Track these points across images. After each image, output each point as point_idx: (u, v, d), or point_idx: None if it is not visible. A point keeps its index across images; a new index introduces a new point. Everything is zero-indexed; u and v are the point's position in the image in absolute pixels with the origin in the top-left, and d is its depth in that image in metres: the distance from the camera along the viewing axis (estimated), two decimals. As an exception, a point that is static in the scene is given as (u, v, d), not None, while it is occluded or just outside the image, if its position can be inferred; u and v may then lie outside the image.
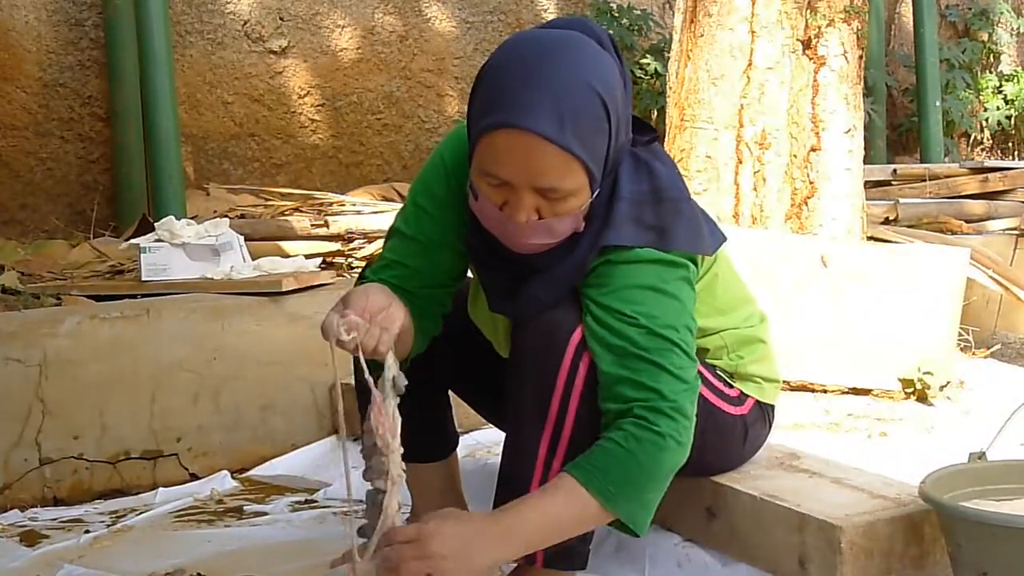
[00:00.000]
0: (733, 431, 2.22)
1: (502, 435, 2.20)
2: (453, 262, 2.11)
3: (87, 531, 2.68)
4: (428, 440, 2.36)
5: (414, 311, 2.02)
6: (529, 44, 1.86)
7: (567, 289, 1.98)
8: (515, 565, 2.06)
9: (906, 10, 6.99)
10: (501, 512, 1.90)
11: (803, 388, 3.14)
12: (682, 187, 2.02)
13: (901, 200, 4.82)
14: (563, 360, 1.94)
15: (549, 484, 1.91)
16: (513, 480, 2.01)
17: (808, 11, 3.47)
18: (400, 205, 4.33)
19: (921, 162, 6.51)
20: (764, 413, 2.28)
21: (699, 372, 2.10)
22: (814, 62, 3.48)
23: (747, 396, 2.22)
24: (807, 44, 3.48)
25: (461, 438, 2.50)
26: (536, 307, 1.99)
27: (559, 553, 2.00)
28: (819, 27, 3.47)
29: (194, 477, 3.07)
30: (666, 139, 3.56)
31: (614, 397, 1.91)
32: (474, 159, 1.89)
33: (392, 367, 1.86)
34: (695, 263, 2.01)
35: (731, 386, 2.20)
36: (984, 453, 2.13)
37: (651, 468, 1.89)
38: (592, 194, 1.91)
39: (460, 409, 2.43)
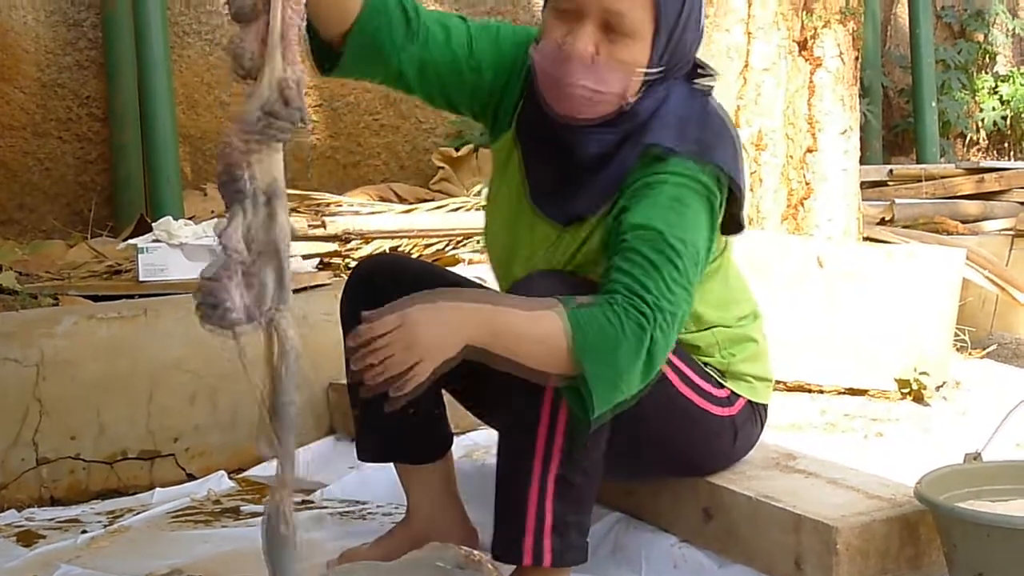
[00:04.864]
0: (721, 432, 2.22)
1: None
2: (456, 65, 2.09)
3: (84, 531, 2.68)
4: (422, 441, 2.36)
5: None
6: None
7: (605, 198, 2.02)
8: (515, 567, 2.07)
9: (902, 11, 7.00)
10: (491, 305, 1.90)
11: (799, 388, 3.15)
12: (730, 121, 2.10)
13: (897, 200, 4.83)
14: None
15: (540, 306, 1.90)
16: (511, 483, 2.02)
17: (804, 12, 3.48)
18: (398, 206, 4.30)
19: (917, 163, 6.51)
20: (756, 412, 2.28)
21: (686, 375, 2.12)
22: (810, 63, 3.49)
23: (738, 396, 2.22)
24: (803, 45, 3.49)
25: (458, 439, 2.51)
26: (574, 214, 2.03)
27: (564, 549, 2.01)
28: (815, 28, 3.48)
29: (191, 477, 3.07)
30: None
31: (609, 282, 1.93)
32: None
33: None
34: (720, 193, 2.03)
35: (721, 386, 2.20)
36: (980, 454, 2.13)
37: (626, 347, 1.87)
38: (649, 59, 1.97)
39: (457, 411, 2.44)
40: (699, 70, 2.11)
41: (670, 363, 2.08)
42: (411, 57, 2.05)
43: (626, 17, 1.94)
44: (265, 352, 1.59)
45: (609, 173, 2.02)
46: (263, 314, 1.55)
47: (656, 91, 2.02)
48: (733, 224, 2.13)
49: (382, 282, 2.19)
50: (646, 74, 2.00)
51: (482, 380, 2.24)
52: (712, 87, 2.13)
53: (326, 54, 2.05)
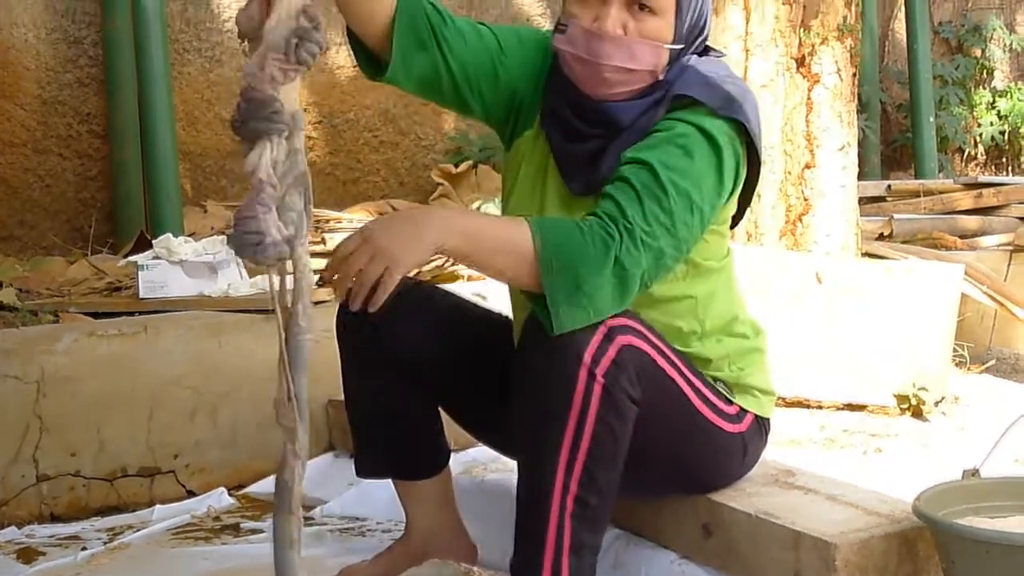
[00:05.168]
0: (733, 449, 2.23)
1: (498, 453, 2.21)
2: (476, 65, 2.14)
3: (84, 548, 2.68)
4: (420, 456, 2.36)
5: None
6: None
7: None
8: None
9: (900, 27, 7.02)
10: (460, 211, 1.95)
11: (799, 404, 3.15)
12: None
13: (896, 216, 4.83)
14: (576, 383, 1.93)
15: (513, 220, 1.97)
16: (532, 504, 2.00)
17: (802, 29, 3.49)
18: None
19: (915, 178, 6.52)
20: (761, 428, 2.29)
21: (702, 391, 2.12)
22: (808, 80, 3.51)
23: (746, 412, 2.23)
24: (801, 62, 3.50)
25: (456, 456, 2.51)
26: (601, 177, 2.05)
27: (579, 569, 2.00)
28: (813, 45, 3.50)
29: (191, 494, 3.07)
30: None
31: (594, 208, 1.97)
32: None
33: None
34: (738, 147, 2.07)
35: (731, 402, 2.20)
36: (978, 470, 2.14)
37: (588, 258, 1.90)
38: (674, 34, 2.06)
39: (455, 427, 2.44)
40: (711, 52, 2.19)
41: (686, 379, 2.09)
42: (454, 53, 2.11)
43: None
44: (279, 287, 1.58)
45: (635, 130, 2.07)
46: (294, 246, 1.55)
47: (680, 63, 2.10)
48: (748, 190, 2.17)
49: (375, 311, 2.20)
50: (672, 48, 2.07)
51: (478, 399, 2.25)
52: (725, 54, 2.22)
53: (373, 63, 2.10)
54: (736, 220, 2.23)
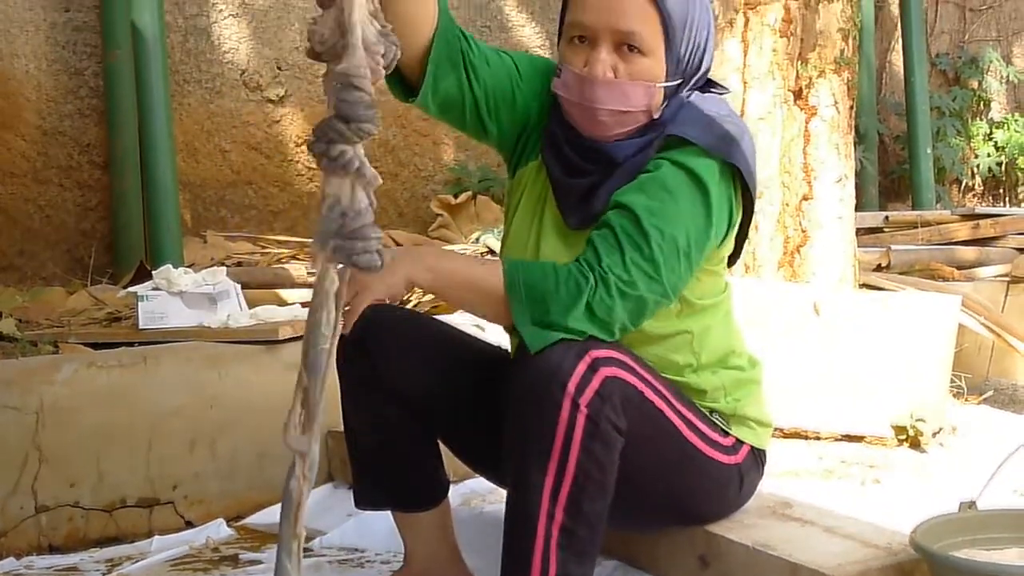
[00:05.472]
0: (728, 481, 2.23)
1: (496, 485, 2.20)
2: (499, 80, 2.17)
3: (83, 579, 2.68)
4: (420, 489, 2.37)
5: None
6: None
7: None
8: None
9: (897, 58, 7.05)
10: (439, 250, 1.98)
11: (797, 435, 3.16)
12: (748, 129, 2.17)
13: (893, 247, 4.85)
14: (560, 413, 1.94)
15: (491, 261, 2.05)
16: (517, 533, 2.01)
17: (799, 62, 3.51)
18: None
19: (913, 208, 6.54)
20: (758, 460, 2.29)
21: (693, 423, 2.13)
22: (805, 112, 3.52)
23: (742, 443, 2.23)
24: (798, 94, 3.52)
25: (455, 487, 2.51)
26: (594, 213, 2.07)
27: None
28: (810, 78, 3.52)
29: (190, 525, 3.07)
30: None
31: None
32: (563, 25, 2.11)
33: None
34: (730, 188, 2.07)
35: (727, 434, 2.21)
36: (974, 502, 2.14)
37: (560, 300, 1.95)
38: (666, 72, 2.06)
39: (454, 458, 2.44)
40: (712, 88, 2.20)
41: (676, 410, 2.10)
42: (479, 76, 2.14)
43: (636, 35, 2.03)
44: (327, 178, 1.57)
45: (629, 167, 2.09)
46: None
47: (679, 99, 2.11)
48: (742, 229, 2.18)
49: (370, 342, 2.23)
50: (666, 86, 2.08)
51: (475, 432, 2.26)
52: (728, 91, 2.24)
53: (404, 85, 2.13)
54: (733, 259, 2.24)
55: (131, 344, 3.31)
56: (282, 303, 3.79)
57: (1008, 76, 7.41)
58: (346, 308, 1.88)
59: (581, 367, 1.94)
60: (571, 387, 1.94)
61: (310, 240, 4.73)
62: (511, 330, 2.01)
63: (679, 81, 2.10)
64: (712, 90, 2.19)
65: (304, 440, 1.61)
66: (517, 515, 2.02)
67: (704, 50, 2.14)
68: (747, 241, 2.25)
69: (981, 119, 7.41)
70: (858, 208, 3.89)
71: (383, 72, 1.57)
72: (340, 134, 1.54)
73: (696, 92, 2.15)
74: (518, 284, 1.97)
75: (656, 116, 2.09)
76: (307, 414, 1.61)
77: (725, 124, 2.10)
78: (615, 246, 1.98)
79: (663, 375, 2.11)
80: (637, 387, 2.01)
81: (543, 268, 1.99)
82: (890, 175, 7.22)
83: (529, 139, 2.22)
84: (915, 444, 3.10)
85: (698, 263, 2.06)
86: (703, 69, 2.16)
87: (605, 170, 2.10)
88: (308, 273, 4.06)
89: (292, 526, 1.61)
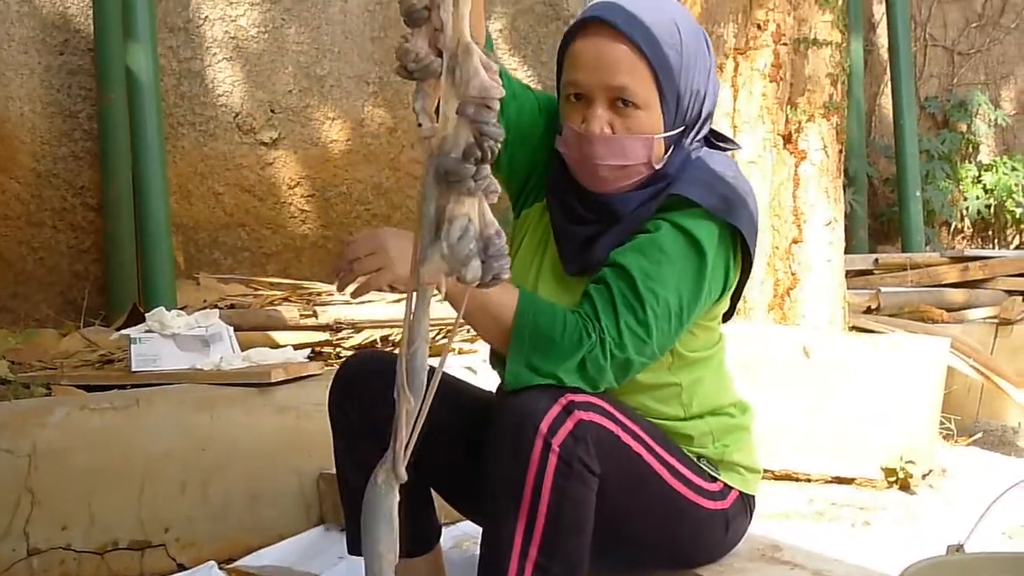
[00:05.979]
0: (713, 525, 2.22)
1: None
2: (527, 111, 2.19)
3: (74, 623, 2.67)
4: (411, 534, 2.35)
5: None
6: None
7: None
8: None
9: (886, 102, 7.11)
10: None
11: (787, 477, 3.17)
12: (753, 193, 2.15)
13: (883, 289, 4.87)
14: (532, 452, 1.94)
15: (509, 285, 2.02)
16: (490, 572, 2.01)
17: (788, 107, 3.55)
18: (389, 296, 4.28)
19: (902, 251, 6.58)
20: (746, 505, 2.29)
21: (677, 469, 2.13)
22: (795, 156, 3.56)
23: (730, 489, 2.23)
24: (788, 139, 3.56)
25: (447, 530, 2.51)
26: (593, 261, 2.08)
27: None
28: (799, 122, 3.55)
29: (181, 568, 3.06)
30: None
31: (577, 304, 2.03)
32: (560, 83, 2.10)
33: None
34: (728, 252, 2.08)
35: (714, 479, 2.21)
36: (962, 545, 2.15)
37: (561, 347, 1.96)
38: (664, 125, 2.05)
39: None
40: (722, 143, 2.19)
41: (657, 455, 2.09)
42: (509, 108, 2.15)
43: (629, 90, 2.03)
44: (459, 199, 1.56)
45: (631, 220, 2.09)
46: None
47: (683, 149, 2.11)
48: (739, 289, 2.18)
49: (362, 388, 2.24)
50: (666, 137, 2.08)
51: (466, 477, 2.26)
52: (739, 147, 2.24)
53: None
54: (728, 315, 2.25)
55: (124, 386, 3.31)
56: (275, 345, 3.80)
57: (996, 119, 7.47)
58: (370, 276, 1.94)
59: (556, 409, 1.95)
60: (543, 427, 1.94)
61: (302, 282, 4.73)
62: (499, 362, 2.00)
63: (681, 129, 2.10)
64: (721, 144, 2.19)
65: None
66: (490, 554, 2.02)
67: (704, 96, 2.12)
68: (742, 296, 2.25)
69: (970, 162, 7.46)
70: (848, 251, 3.92)
71: (502, 91, 1.56)
72: (483, 155, 1.55)
73: (705, 148, 2.15)
74: (527, 321, 1.97)
75: (659, 167, 2.08)
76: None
77: (730, 184, 2.09)
78: (610, 305, 1.99)
79: (649, 419, 2.11)
80: (613, 431, 2.01)
81: (554, 312, 1.99)
82: (879, 218, 7.26)
83: (539, 180, 2.23)
84: (905, 486, 3.11)
85: (689, 323, 2.08)
86: (704, 115, 2.14)
87: (608, 221, 2.11)
88: (301, 315, 4.07)
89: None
